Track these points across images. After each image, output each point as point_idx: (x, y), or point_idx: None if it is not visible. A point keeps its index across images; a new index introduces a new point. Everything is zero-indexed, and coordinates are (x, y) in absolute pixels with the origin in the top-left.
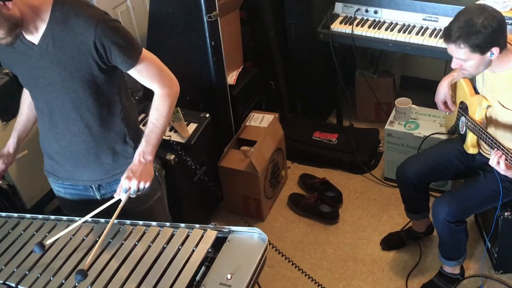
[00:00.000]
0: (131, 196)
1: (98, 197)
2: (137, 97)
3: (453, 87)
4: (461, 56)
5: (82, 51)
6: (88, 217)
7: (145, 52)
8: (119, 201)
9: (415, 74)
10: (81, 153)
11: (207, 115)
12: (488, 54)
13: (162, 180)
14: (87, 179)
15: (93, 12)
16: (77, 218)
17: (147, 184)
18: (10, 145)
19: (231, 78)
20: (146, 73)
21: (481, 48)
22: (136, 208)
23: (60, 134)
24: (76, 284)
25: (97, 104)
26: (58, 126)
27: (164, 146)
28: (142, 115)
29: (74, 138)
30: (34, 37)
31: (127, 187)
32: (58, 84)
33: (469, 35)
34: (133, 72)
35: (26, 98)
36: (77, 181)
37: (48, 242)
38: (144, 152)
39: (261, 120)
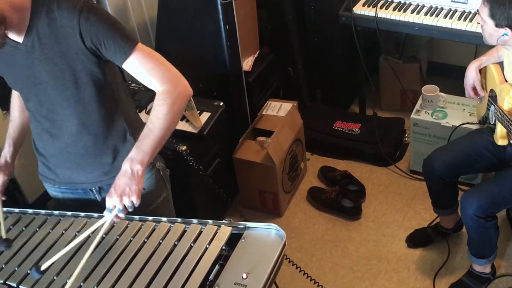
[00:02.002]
0: (118, 215)
1: (99, 199)
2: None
3: (484, 73)
4: (482, 14)
5: (70, 44)
6: (80, 239)
7: (141, 45)
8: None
9: (443, 60)
10: (79, 154)
11: (221, 103)
12: (502, 31)
13: (167, 180)
14: (87, 181)
15: (74, 1)
16: (82, 214)
17: (136, 201)
18: (7, 154)
19: (247, 64)
20: (143, 66)
21: (496, 19)
22: (140, 211)
23: (56, 135)
24: (81, 284)
25: (93, 101)
26: (53, 127)
27: (175, 136)
28: (151, 104)
29: (71, 138)
30: (18, 36)
31: (110, 206)
32: (50, 83)
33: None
34: (128, 65)
35: (15, 102)
36: (76, 185)
37: (44, 266)
38: (132, 159)
39: (278, 109)
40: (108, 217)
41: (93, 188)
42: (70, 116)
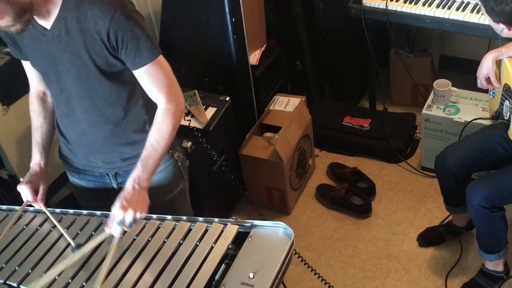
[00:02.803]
0: (125, 229)
1: (115, 186)
2: None
3: (497, 66)
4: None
5: (96, 40)
6: (76, 258)
7: (161, 58)
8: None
9: (455, 54)
10: (97, 142)
11: (227, 98)
12: (500, 26)
13: (185, 171)
14: (103, 166)
15: (110, 1)
16: (84, 212)
17: (143, 214)
18: (41, 162)
19: (254, 57)
20: (156, 78)
21: (491, 15)
22: (156, 201)
23: (76, 122)
24: (84, 284)
25: (115, 94)
26: (73, 113)
27: (180, 132)
28: None
29: (90, 128)
30: (47, 22)
31: (121, 218)
32: (72, 72)
33: None
34: (141, 73)
35: (36, 107)
36: (93, 168)
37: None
38: (139, 178)
39: (286, 104)
40: (117, 231)
41: (110, 173)
42: (90, 107)
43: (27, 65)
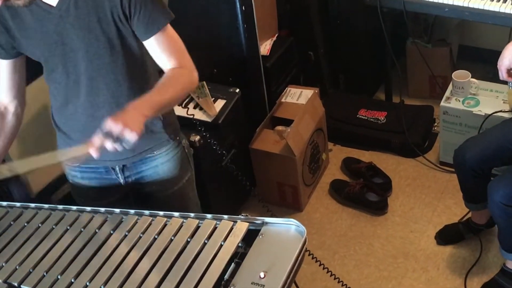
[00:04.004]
0: (108, 145)
1: (121, 181)
2: None
3: None
4: None
5: (108, 9)
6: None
7: (170, 27)
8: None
9: (474, 44)
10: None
11: (237, 90)
12: None
13: (191, 158)
14: (110, 159)
15: None
16: (88, 209)
17: (133, 137)
18: None
19: (265, 48)
20: (167, 45)
21: None
22: (165, 192)
23: (82, 108)
24: (87, 284)
25: (125, 72)
26: (79, 98)
27: (187, 125)
28: None
29: (98, 112)
30: None
31: (109, 128)
32: (82, 50)
33: None
34: (153, 41)
35: None
36: (98, 162)
37: None
38: (139, 103)
39: (298, 96)
40: (95, 142)
41: (116, 167)
42: (100, 88)
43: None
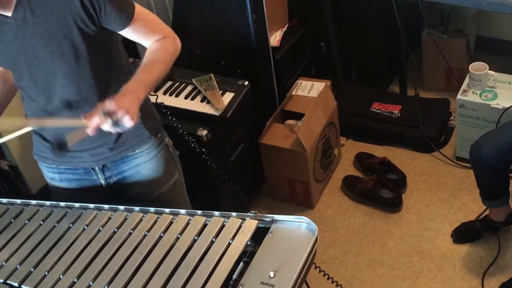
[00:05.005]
0: (107, 126)
1: (102, 181)
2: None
3: None
4: None
5: (67, 13)
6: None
7: (138, 7)
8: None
9: (492, 34)
10: None
11: (246, 82)
12: None
13: (177, 159)
14: (89, 159)
15: None
16: (91, 206)
17: (131, 123)
18: None
19: (274, 39)
20: (144, 29)
21: None
22: (151, 194)
23: (54, 113)
24: (91, 284)
25: (95, 74)
26: (51, 104)
27: (194, 119)
28: None
29: (72, 116)
30: (5, 9)
31: (109, 109)
32: (46, 58)
33: None
34: (128, 31)
35: None
36: (77, 163)
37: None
38: (130, 85)
39: (309, 89)
40: (93, 122)
41: (96, 167)
42: (70, 93)
43: None
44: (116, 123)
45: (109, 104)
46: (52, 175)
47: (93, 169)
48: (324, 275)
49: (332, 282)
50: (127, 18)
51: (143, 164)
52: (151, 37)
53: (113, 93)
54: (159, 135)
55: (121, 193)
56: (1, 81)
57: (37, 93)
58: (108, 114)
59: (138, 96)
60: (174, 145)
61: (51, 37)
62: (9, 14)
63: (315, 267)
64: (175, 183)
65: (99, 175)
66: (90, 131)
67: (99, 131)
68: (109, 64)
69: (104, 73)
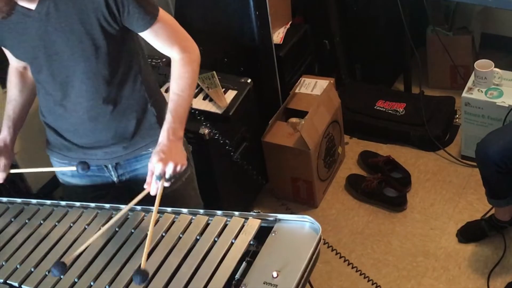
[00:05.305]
0: (165, 184)
1: (115, 179)
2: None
3: None
4: None
5: (90, 10)
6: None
7: (162, 11)
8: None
9: (498, 32)
10: (97, 129)
11: (249, 80)
12: None
13: (190, 155)
14: (103, 157)
15: None
16: (92, 205)
17: (184, 167)
18: (7, 138)
19: (277, 36)
20: (165, 34)
21: None
22: (163, 191)
23: (70, 109)
24: (92, 284)
25: (113, 72)
26: (68, 100)
27: (196, 117)
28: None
29: (88, 113)
30: (30, 2)
31: (160, 172)
32: (66, 53)
33: None
34: (149, 34)
35: (13, 79)
36: (91, 160)
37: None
38: (173, 128)
39: (313, 87)
40: (156, 187)
41: (109, 165)
42: (87, 89)
43: None
44: (172, 176)
45: (157, 169)
46: (64, 171)
47: (106, 167)
48: (345, 260)
49: (352, 267)
50: (150, 19)
51: None
52: (172, 46)
53: (128, 92)
54: None
55: (132, 190)
56: (21, 80)
57: (54, 87)
58: (161, 175)
59: (178, 136)
60: None
61: (73, 33)
62: (32, 7)
63: (336, 253)
64: (187, 179)
65: (112, 173)
66: (154, 192)
67: (113, 129)
68: (127, 63)
69: (121, 72)
